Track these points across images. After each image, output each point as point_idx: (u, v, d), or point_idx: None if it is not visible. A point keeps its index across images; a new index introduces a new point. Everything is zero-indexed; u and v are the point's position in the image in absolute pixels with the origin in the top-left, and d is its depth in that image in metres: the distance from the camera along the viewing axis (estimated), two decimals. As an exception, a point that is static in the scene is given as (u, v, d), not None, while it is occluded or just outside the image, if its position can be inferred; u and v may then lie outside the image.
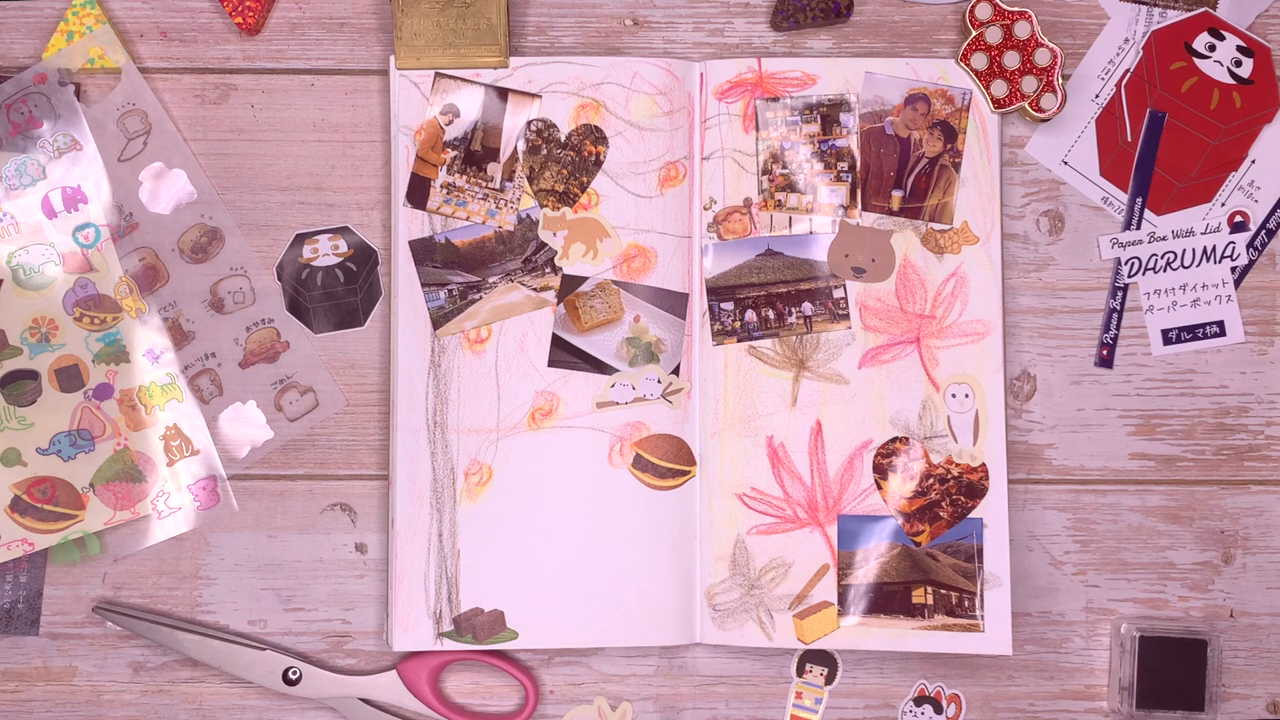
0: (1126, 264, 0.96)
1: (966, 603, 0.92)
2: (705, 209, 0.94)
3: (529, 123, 0.93)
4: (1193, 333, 0.96)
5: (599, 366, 0.93)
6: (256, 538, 0.94)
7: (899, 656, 0.95)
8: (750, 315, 0.93)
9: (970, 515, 0.92)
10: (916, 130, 0.94)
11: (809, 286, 0.94)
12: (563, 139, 0.93)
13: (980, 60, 0.94)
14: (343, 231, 0.95)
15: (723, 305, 0.93)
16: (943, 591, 0.92)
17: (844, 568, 0.92)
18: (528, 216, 0.93)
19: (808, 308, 0.93)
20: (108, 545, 0.94)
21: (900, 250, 0.94)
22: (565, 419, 0.92)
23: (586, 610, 0.91)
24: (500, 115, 0.93)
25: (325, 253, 0.95)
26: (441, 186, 0.93)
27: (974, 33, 0.94)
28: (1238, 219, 0.96)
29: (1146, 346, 0.96)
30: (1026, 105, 0.94)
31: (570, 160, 0.93)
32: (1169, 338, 0.96)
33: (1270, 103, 0.95)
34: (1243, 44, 0.95)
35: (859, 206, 0.94)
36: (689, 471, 0.93)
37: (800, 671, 0.95)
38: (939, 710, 0.94)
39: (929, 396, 0.93)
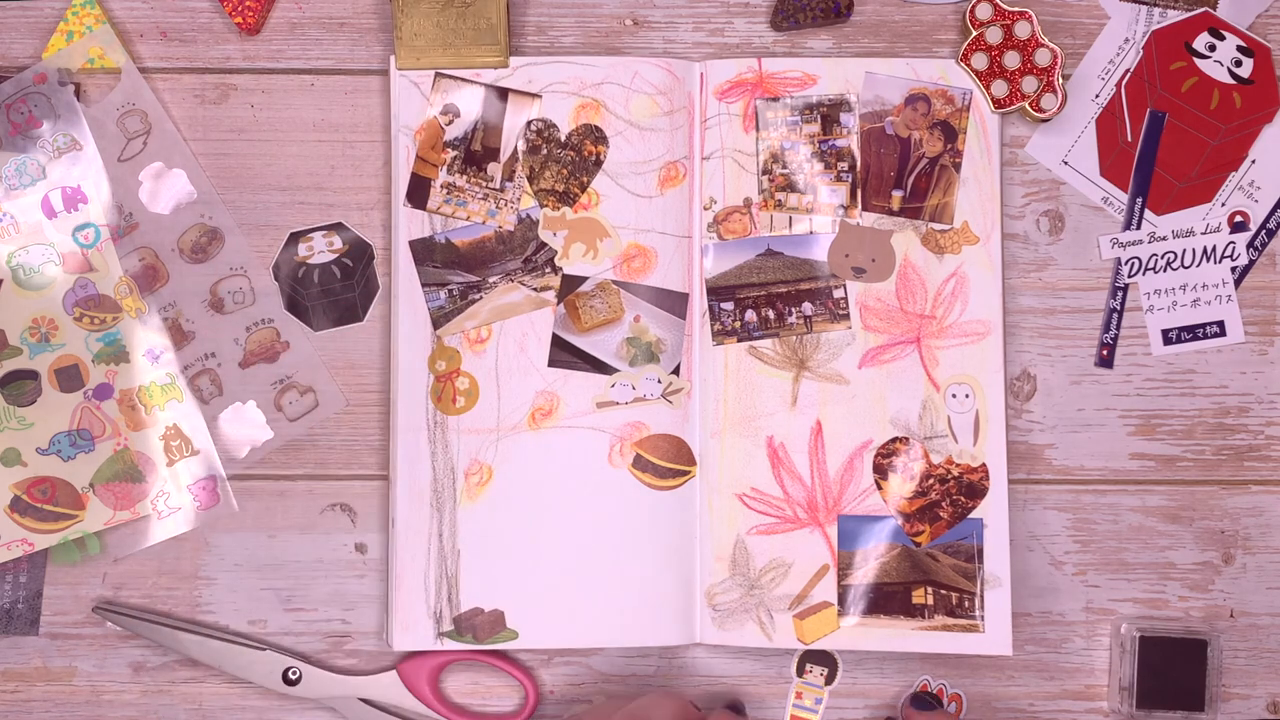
0: (1126, 264, 0.96)
1: (966, 603, 0.92)
2: (705, 209, 0.94)
3: (529, 122, 0.93)
4: (1193, 333, 0.96)
5: (599, 366, 0.93)
6: (256, 538, 0.94)
7: (899, 657, 0.95)
8: (750, 315, 0.93)
9: (970, 515, 0.92)
10: (917, 130, 0.94)
11: (809, 286, 0.94)
12: (563, 139, 0.93)
13: (980, 60, 0.94)
14: (337, 228, 0.95)
15: (723, 305, 0.93)
16: (943, 592, 0.92)
17: (844, 568, 0.92)
18: (528, 216, 0.93)
19: (808, 308, 0.93)
20: (108, 545, 0.94)
21: (900, 250, 0.94)
22: (565, 419, 0.92)
23: (586, 610, 0.91)
24: (500, 115, 0.93)
25: (320, 250, 0.95)
26: (441, 186, 0.93)
27: (974, 33, 0.94)
28: (1238, 219, 0.96)
29: (1146, 346, 0.96)
30: (1027, 105, 0.94)
31: (570, 160, 0.93)
32: (1169, 338, 0.96)
33: (1270, 103, 0.95)
34: (1243, 44, 0.95)
35: (859, 206, 0.94)
36: (689, 471, 0.93)
37: (800, 671, 0.95)
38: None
39: (929, 396, 0.93)
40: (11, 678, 0.94)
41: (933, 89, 0.94)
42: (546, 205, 0.93)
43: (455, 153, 0.93)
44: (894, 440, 0.93)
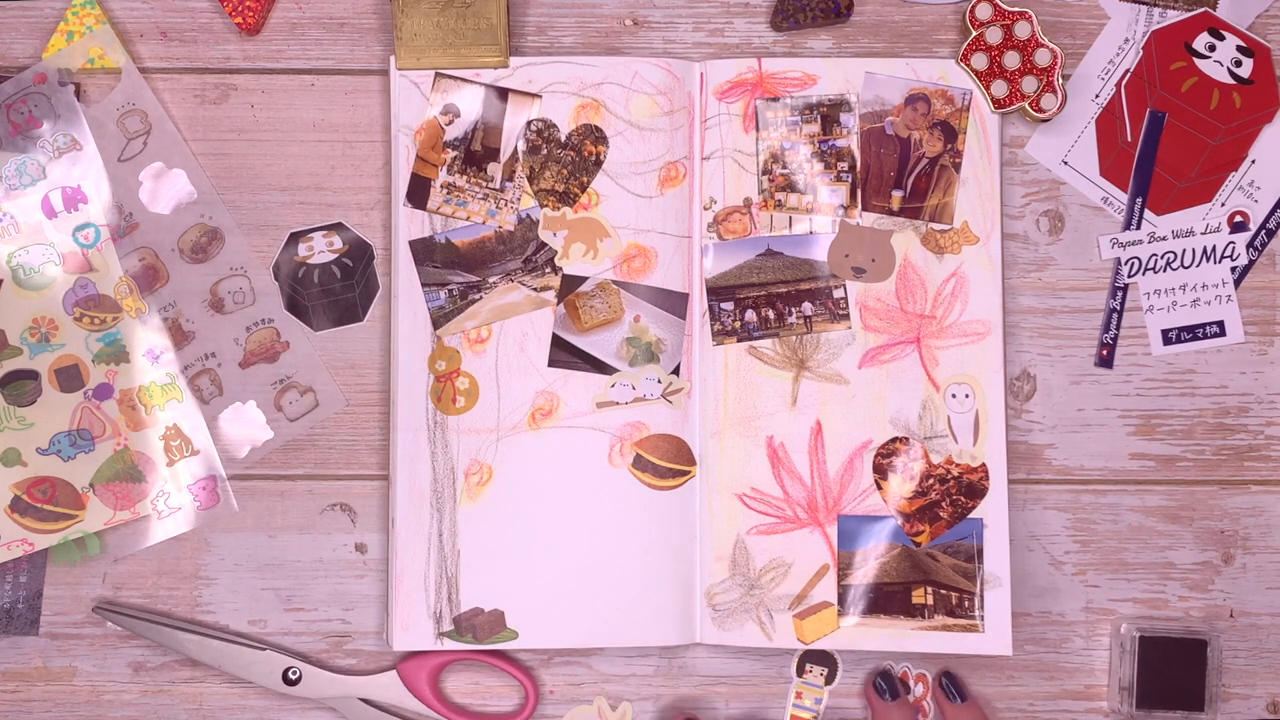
0: (1126, 264, 0.96)
1: (966, 603, 0.92)
2: (705, 209, 0.94)
3: (529, 123, 0.93)
4: (1193, 333, 0.96)
5: (599, 366, 0.93)
6: (256, 538, 0.94)
7: (899, 657, 0.95)
8: (750, 315, 0.93)
9: (970, 515, 0.92)
10: (917, 130, 0.94)
11: (809, 286, 0.94)
12: (563, 139, 0.93)
13: (980, 60, 0.94)
14: (337, 228, 0.95)
15: (723, 305, 0.93)
16: (943, 592, 0.92)
17: (844, 568, 0.92)
18: (528, 216, 0.93)
19: (808, 308, 0.93)
20: (108, 545, 0.94)
21: (900, 250, 0.94)
22: (565, 419, 0.92)
23: (586, 610, 0.91)
24: (500, 115, 0.93)
25: (320, 250, 0.95)
26: (442, 186, 0.93)
27: (974, 33, 0.94)
28: (1238, 219, 0.96)
29: (1146, 346, 0.96)
30: (1027, 105, 0.94)
31: (570, 160, 0.93)
32: (1169, 338, 0.96)
33: (1270, 103, 0.95)
34: (1243, 44, 0.95)
35: (859, 206, 0.94)
36: (689, 471, 0.93)
37: (800, 671, 0.95)
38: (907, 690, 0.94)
39: (929, 396, 0.93)
40: (11, 678, 0.94)
41: (933, 89, 0.94)
42: (546, 205, 0.93)
43: (455, 153, 0.93)
44: (894, 440, 0.93)
